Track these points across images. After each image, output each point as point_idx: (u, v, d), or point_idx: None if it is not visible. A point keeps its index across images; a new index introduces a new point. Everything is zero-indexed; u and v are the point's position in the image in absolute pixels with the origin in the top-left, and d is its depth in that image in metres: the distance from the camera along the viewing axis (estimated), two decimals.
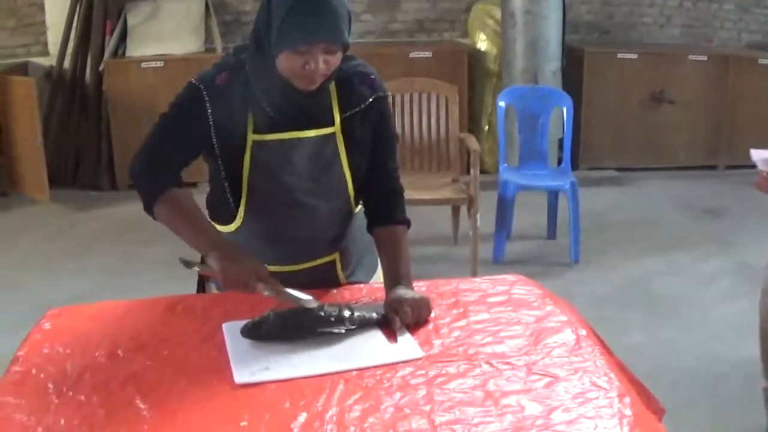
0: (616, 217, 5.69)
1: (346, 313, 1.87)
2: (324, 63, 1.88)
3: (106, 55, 6.33)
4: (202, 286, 2.30)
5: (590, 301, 4.19)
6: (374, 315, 1.91)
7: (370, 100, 2.06)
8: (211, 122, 1.97)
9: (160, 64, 6.23)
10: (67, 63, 6.42)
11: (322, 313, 1.85)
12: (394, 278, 2.01)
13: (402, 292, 1.95)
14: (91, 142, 6.41)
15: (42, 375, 1.74)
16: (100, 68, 6.33)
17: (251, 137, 2.00)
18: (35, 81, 6.01)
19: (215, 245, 1.92)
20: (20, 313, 3.80)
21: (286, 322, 1.84)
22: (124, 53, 6.39)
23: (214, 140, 1.99)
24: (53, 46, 6.59)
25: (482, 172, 6.02)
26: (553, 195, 5.17)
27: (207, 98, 1.96)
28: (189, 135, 2.00)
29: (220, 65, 2.02)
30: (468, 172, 4.64)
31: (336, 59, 1.91)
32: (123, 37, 6.41)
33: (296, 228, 2.09)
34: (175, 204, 2.00)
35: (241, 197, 2.05)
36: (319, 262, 2.16)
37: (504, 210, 4.84)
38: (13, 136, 6.14)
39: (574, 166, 5.82)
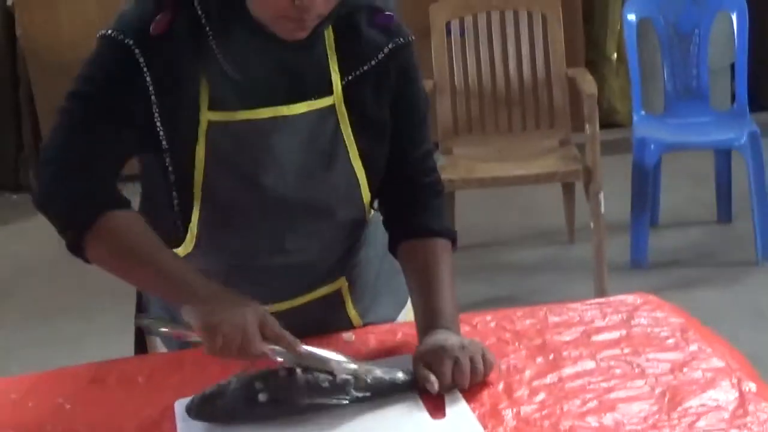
0: None
1: (349, 372, 1.83)
2: None
3: None
4: (142, 343, 2.29)
5: None
6: (400, 375, 1.88)
7: (387, 50, 2.03)
8: (152, 97, 1.93)
9: None
10: None
11: (311, 377, 1.82)
12: (430, 318, 1.97)
13: (441, 337, 1.90)
14: (4, 120, 6.42)
15: None
16: (8, 1, 6.31)
17: (206, 116, 1.95)
18: None
19: (192, 291, 1.87)
20: None
21: (252, 391, 1.79)
22: None
23: (159, 124, 1.95)
24: None
25: (612, 125, 5.94)
26: (722, 155, 5.12)
27: (142, 59, 1.91)
28: (123, 122, 1.94)
29: (146, 2, 1.95)
30: (583, 128, 4.53)
31: None
32: None
33: (280, 252, 2.06)
34: (120, 237, 1.94)
35: (192, 210, 2.00)
36: (315, 295, 2.15)
37: (643, 183, 4.80)
38: None
39: (755, 107, 5.65)
